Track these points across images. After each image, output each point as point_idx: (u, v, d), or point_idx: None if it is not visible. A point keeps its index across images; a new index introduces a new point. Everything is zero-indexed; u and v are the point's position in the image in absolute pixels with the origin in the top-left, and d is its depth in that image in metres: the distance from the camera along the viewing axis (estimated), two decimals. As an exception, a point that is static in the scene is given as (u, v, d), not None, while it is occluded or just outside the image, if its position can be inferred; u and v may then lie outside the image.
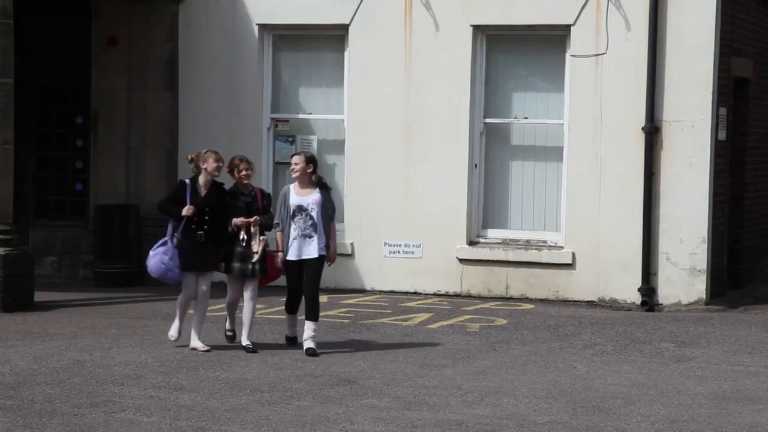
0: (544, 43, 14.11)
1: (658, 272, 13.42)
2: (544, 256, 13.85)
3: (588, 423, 8.24)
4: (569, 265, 13.75)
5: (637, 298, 13.44)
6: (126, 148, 15.31)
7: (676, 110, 13.36)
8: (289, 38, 14.99)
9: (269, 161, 14.92)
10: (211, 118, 14.92)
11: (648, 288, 13.39)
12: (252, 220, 10.36)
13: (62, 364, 9.95)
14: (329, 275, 14.43)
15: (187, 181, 10.47)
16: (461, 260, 14.09)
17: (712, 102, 13.35)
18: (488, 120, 14.21)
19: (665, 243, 13.42)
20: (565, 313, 12.99)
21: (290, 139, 14.88)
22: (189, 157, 10.58)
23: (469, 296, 14.01)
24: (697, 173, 13.37)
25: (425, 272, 14.15)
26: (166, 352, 10.56)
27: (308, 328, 10.42)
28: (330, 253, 10.51)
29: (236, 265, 10.41)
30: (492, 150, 14.31)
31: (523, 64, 14.28)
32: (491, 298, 13.90)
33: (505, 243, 14.15)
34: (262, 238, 10.35)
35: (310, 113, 14.89)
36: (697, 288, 13.37)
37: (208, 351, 10.39)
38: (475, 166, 14.19)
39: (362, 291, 14.26)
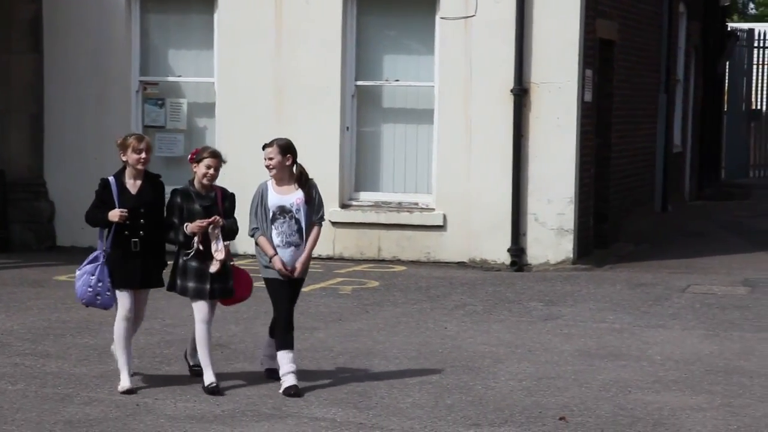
0: (414, 6, 14.14)
1: (527, 233, 13.63)
2: (416, 219, 13.95)
3: (457, 382, 8.36)
4: (440, 227, 13.88)
5: (506, 259, 13.63)
6: (-11, 112, 14.93)
7: (544, 72, 13.53)
8: (158, 0, 14.76)
9: (138, 124, 14.70)
10: (78, 80, 14.63)
11: (517, 248, 13.59)
12: (211, 220, 7.97)
13: (-76, 334, 9.71)
14: (201, 239, 14.31)
15: (111, 178, 8.12)
16: (334, 223, 14.10)
17: (579, 64, 13.55)
18: (359, 82, 14.22)
19: (534, 204, 13.63)
20: (436, 275, 13.12)
21: (160, 102, 14.69)
22: (117, 141, 8.22)
23: (341, 259, 14.05)
24: (564, 134, 13.59)
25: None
26: (33, 319, 10.37)
27: (288, 360, 8.00)
28: (300, 262, 8.09)
29: (191, 285, 8.02)
30: (364, 113, 14.33)
31: (394, 26, 14.30)
32: (364, 260, 13.96)
33: (377, 206, 14.20)
34: (225, 244, 8.08)
35: (180, 76, 14.70)
36: (565, 248, 13.62)
37: (131, 392, 7.94)
38: (347, 128, 14.20)
39: (234, 255, 14.14)
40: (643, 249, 15.30)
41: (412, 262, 13.88)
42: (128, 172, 8.12)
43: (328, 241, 14.10)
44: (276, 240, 8.07)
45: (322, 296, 11.73)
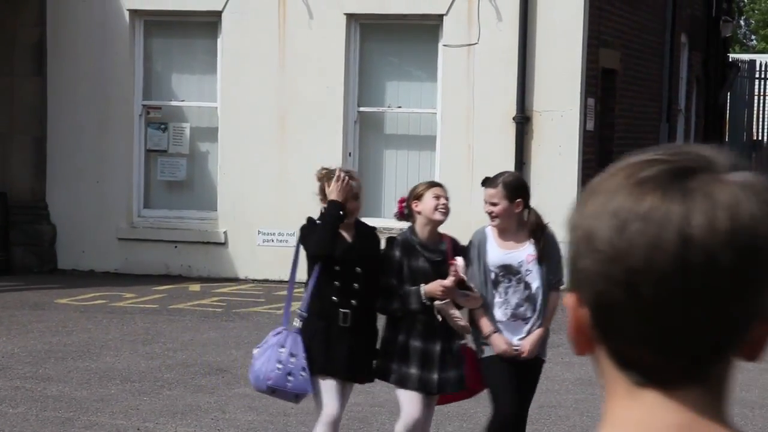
0: (417, 33, 14.21)
1: (528, 260, 13.62)
2: (417, 245, 13.96)
3: (458, 409, 8.33)
4: (441, 253, 13.87)
5: (507, 286, 13.62)
6: (-8, 135, 14.96)
7: (546, 100, 13.58)
8: (161, 24, 14.82)
9: (141, 149, 14.75)
10: (81, 104, 14.67)
11: (518, 275, 13.58)
12: (461, 279, 5.83)
13: (-75, 355, 9.70)
14: (201, 264, 14.36)
15: (318, 219, 6.16)
16: (335, 248, 14.10)
17: (581, 92, 13.60)
18: (362, 108, 14.26)
19: (535, 231, 13.61)
20: (437, 301, 13.10)
21: (162, 126, 14.72)
22: (319, 173, 6.31)
23: (342, 284, 14.03)
24: (566, 162, 13.62)
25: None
26: (33, 342, 10.36)
27: None
28: (532, 340, 6.03)
29: (413, 372, 5.89)
30: (366, 138, 14.36)
31: (397, 53, 14.36)
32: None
33: (378, 231, 14.17)
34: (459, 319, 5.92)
35: (183, 100, 14.75)
36: (566, 276, 13.60)
37: None
38: (349, 154, 14.23)
39: (235, 280, 14.20)
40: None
41: (413, 288, 13.86)
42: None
43: (329, 267, 14.12)
44: (498, 312, 5.96)
45: (322, 322, 11.73)
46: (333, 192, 5.92)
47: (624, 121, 15.99)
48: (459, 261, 5.87)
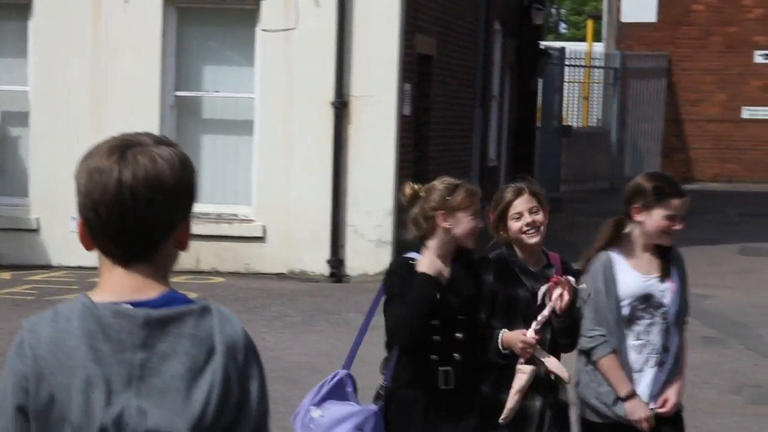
0: (235, 17, 14.14)
1: (346, 244, 13.76)
2: (235, 230, 13.93)
3: (274, 393, 8.30)
4: (260, 239, 13.89)
5: (326, 270, 13.72)
6: None
7: (364, 86, 13.70)
8: (-31, 4, 14.37)
9: (-52, 133, 14.29)
10: None
11: (336, 260, 13.70)
12: (533, 339, 4.54)
13: None
14: (12, 251, 13.99)
15: (412, 254, 4.67)
16: (152, 234, 13.94)
17: (398, 78, 13.77)
18: (179, 93, 14.12)
19: (353, 215, 13.77)
20: (255, 286, 13.12)
21: (-29, 110, 14.30)
22: (408, 188, 4.70)
23: (159, 270, 13.87)
24: (383, 147, 13.78)
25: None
26: None
27: None
28: (676, 390, 4.70)
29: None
30: (183, 123, 14.23)
31: (215, 37, 14.26)
32: (182, 272, 13.82)
33: (196, 217, 14.09)
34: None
35: (-8, 83, 14.35)
36: (382, 259, 13.77)
37: None
38: (166, 139, 14.08)
39: (48, 267, 13.90)
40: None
41: (232, 273, 13.83)
42: (436, 244, 4.61)
43: (146, 253, 13.94)
44: (633, 356, 4.64)
45: (139, 308, 11.59)
46: (425, 262, 4.48)
47: (440, 106, 16.26)
48: (557, 290, 4.48)
